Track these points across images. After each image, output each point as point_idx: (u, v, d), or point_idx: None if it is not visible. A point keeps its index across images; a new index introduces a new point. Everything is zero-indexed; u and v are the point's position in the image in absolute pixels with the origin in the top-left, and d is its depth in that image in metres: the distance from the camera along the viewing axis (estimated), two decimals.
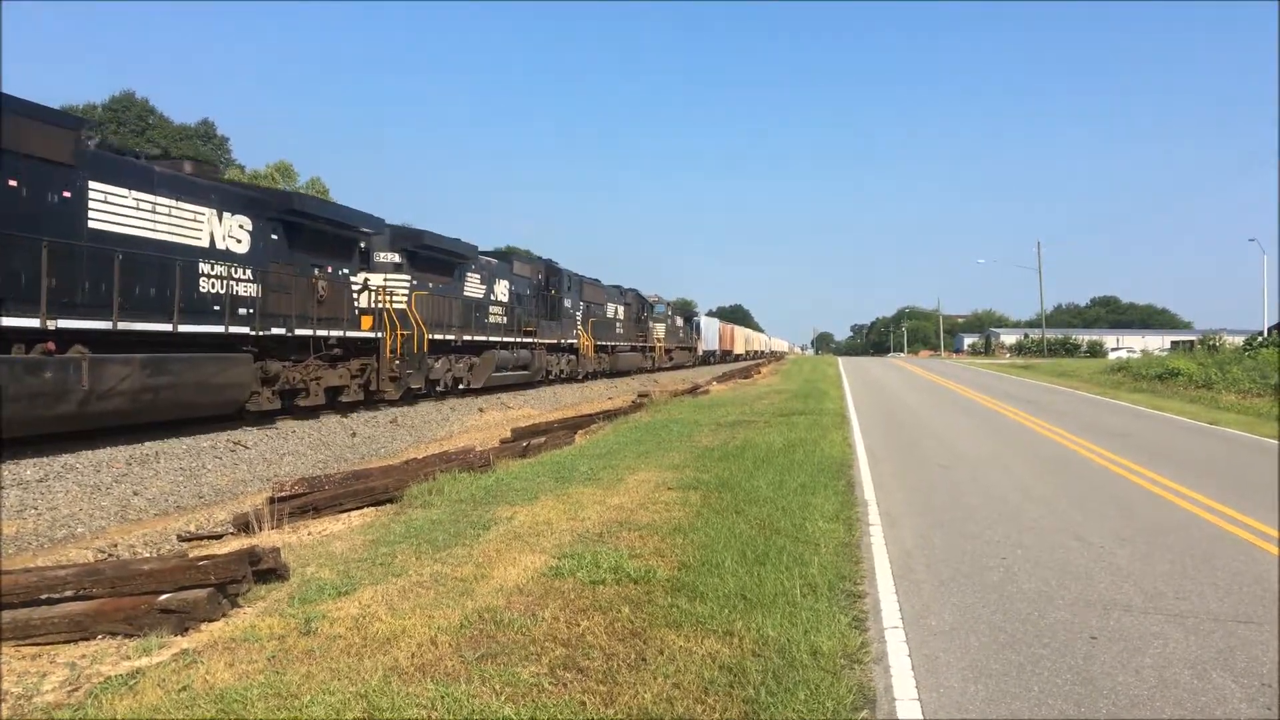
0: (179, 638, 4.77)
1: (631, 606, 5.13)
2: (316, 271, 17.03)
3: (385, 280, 19.97)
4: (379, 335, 18.79)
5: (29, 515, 9.10)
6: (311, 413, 17.39)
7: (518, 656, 4.36)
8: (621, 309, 41.61)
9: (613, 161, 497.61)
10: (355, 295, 18.64)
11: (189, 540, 8.54)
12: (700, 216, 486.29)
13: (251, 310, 14.80)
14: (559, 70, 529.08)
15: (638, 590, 5.46)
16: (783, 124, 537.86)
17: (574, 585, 5.55)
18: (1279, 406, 21.52)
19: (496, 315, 25.97)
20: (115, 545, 8.34)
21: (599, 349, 37.17)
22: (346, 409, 18.78)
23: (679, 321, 57.67)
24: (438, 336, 21.43)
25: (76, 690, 4.07)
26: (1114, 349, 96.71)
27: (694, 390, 27.12)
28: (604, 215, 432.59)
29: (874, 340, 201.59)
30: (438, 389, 22.49)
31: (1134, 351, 76.20)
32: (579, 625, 4.81)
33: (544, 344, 29.51)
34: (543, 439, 13.14)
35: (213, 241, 14.19)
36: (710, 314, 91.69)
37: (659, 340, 49.64)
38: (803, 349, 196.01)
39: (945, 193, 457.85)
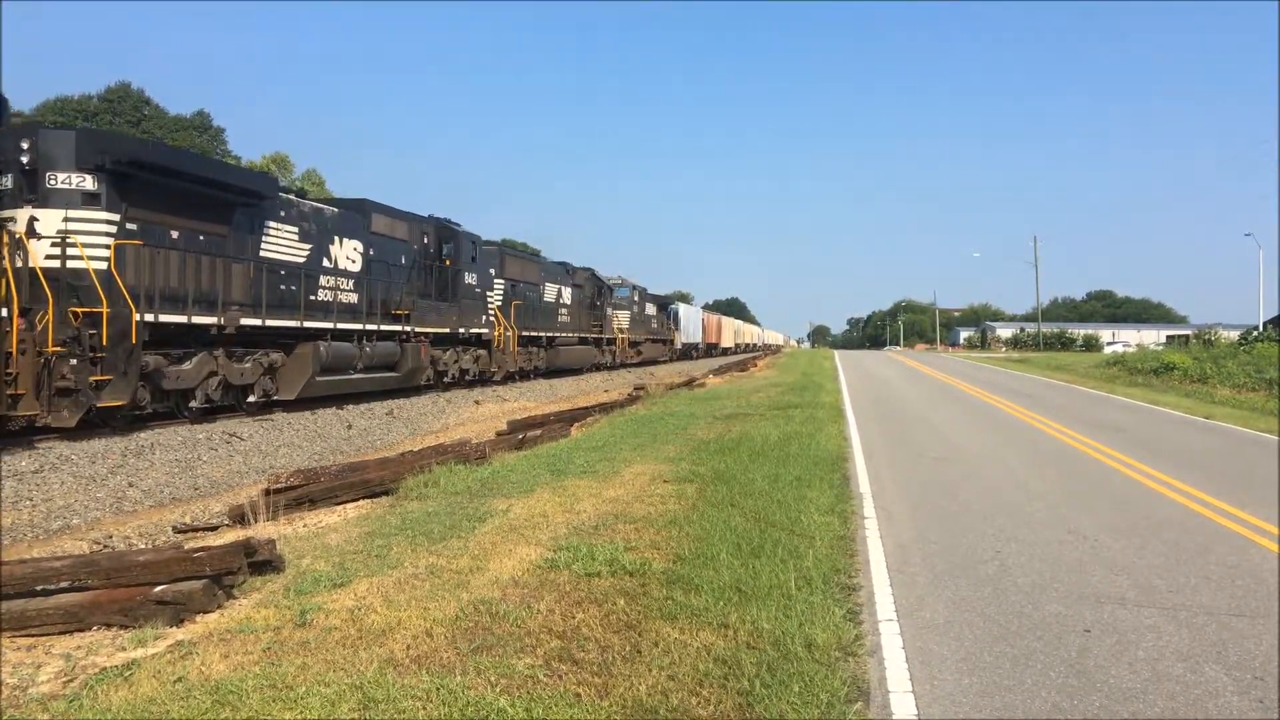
0: (174, 629, 4.77)
1: (627, 599, 5.14)
2: None
3: (65, 220, 12.18)
4: None
5: (24, 506, 9.09)
6: (307, 405, 17.34)
7: (513, 648, 4.36)
8: (568, 291, 33.50)
9: (610, 157, 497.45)
10: None
11: (184, 532, 8.53)
12: (697, 212, 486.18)
13: None
14: (559, 66, 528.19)
15: (633, 583, 5.47)
16: (780, 119, 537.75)
17: (569, 577, 5.56)
18: (1279, 401, 21.58)
19: (335, 290, 18.08)
20: (110, 537, 8.33)
21: (529, 341, 29.12)
22: (341, 400, 18.71)
23: (649, 309, 49.28)
24: (175, 319, 13.52)
25: (72, 681, 4.07)
26: (1109, 343, 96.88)
27: (690, 383, 27.18)
28: (600, 211, 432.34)
29: (870, 334, 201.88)
30: (191, 406, 14.37)
31: (1129, 345, 76.35)
32: (574, 617, 4.82)
33: (426, 333, 21.57)
34: (539, 432, 13.14)
35: None
36: (706, 307, 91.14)
37: (621, 331, 41.66)
38: (799, 342, 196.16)
39: (942, 187, 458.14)
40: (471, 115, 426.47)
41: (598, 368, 37.98)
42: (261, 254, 15.88)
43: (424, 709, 3.68)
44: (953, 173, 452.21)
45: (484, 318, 25.17)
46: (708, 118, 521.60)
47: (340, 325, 18.08)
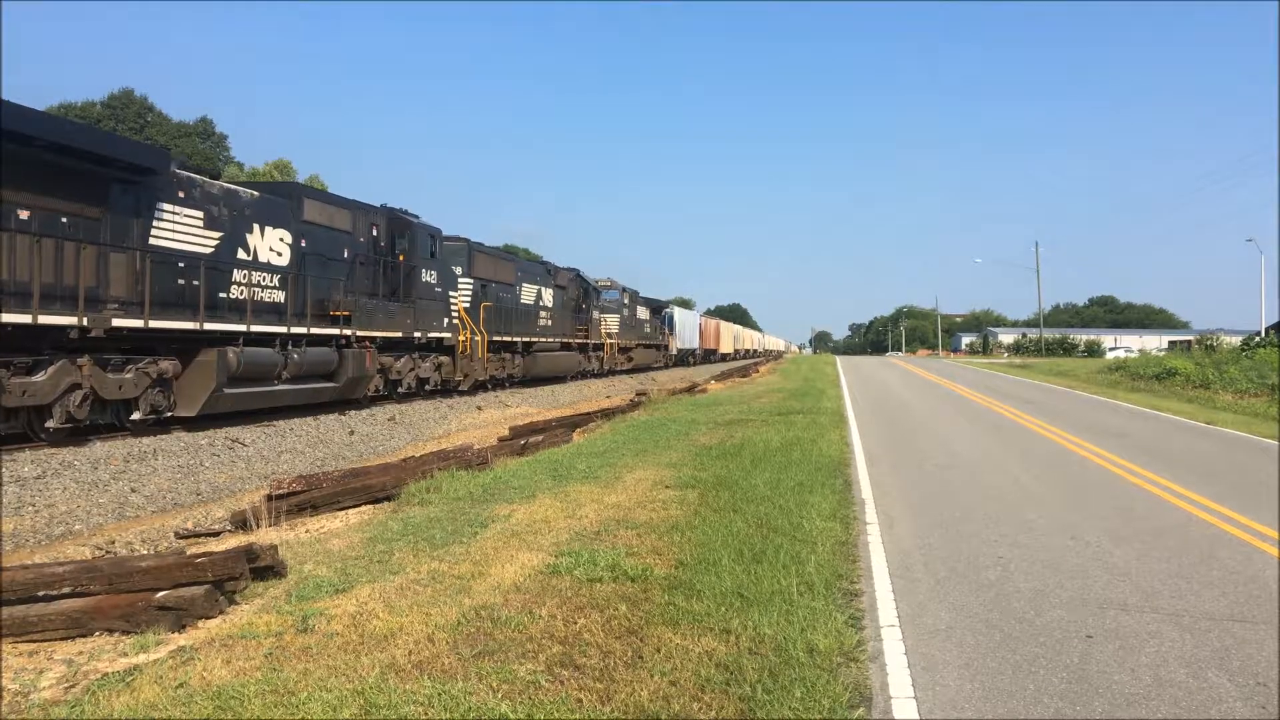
0: (176, 635, 4.77)
1: (628, 604, 5.14)
2: None
3: None
4: None
5: (27, 512, 9.10)
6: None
7: (515, 654, 4.36)
8: (549, 292, 31.14)
9: (611, 164, 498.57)
10: None
11: (187, 537, 8.54)
12: (699, 218, 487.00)
13: None
14: (562, 72, 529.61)
15: (635, 588, 5.47)
16: (781, 125, 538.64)
17: (571, 583, 5.56)
18: (1279, 406, 21.56)
19: (252, 286, 15.25)
20: (113, 542, 8.34)
21: (502, 346, 26.41)
22: (344, 406, 18.72)
23: (641, 313, 46.61)
24: (15, 318, 10.76)
25: (74, 687, 4.07)
26: (1112, 349, 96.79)
27: (692, 389, 27.20)
28: (602, 218, 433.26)
29: (872, 339, 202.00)
30: (47, 426, 11.66)
31: (1131, 351, 76.28)
32: (576, 623, 4.82)
33: (373, 337, 19.00)
34: (540, 437, 13.15)
35: None
36: (708, 312, 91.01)
37: (609, 336, 39.22)
38: (801, 348, 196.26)
39: (944, 192, 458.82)
40: (473, 119, 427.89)
41: (583, 375, 35.31)
42: (151, 241, 13.15)
43: (426, 714, 3.68)
44: (955, 178, 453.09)
45: (446, 320, 22.38)
46: (709, 122, 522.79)
47: (257, 328, 15.05)
